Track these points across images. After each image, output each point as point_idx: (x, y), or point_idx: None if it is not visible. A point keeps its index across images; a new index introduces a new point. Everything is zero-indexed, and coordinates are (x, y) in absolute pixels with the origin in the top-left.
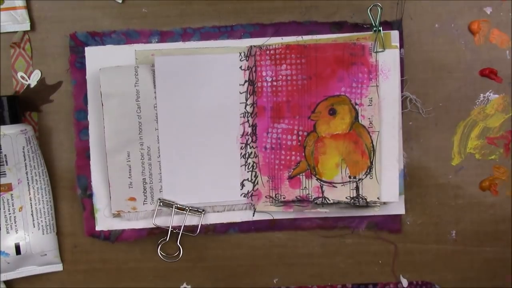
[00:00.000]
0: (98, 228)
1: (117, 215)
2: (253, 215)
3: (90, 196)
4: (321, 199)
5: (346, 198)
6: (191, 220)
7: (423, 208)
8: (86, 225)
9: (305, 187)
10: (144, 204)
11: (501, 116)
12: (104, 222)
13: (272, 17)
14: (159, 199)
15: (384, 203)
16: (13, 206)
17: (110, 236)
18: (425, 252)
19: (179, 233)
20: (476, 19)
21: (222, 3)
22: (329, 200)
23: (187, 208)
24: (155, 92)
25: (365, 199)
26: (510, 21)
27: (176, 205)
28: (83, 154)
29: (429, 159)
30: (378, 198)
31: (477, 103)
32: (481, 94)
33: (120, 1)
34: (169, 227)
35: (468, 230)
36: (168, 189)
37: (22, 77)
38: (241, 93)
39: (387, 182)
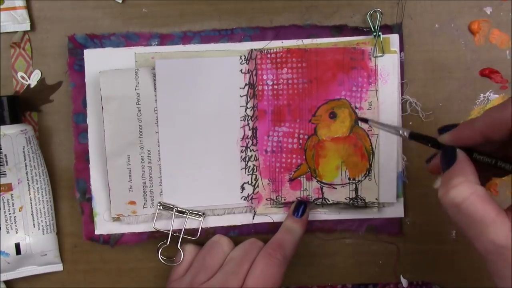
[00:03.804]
0: (97, 232)
1: (117, 219)
2: (253, 218)
3: (89, 199)
4: (321, 199)
5: (345, 199)
6: (191, 223)
7: (423, 208)
8: (84, 229)
9: (306, 188)
10: (144, 207)
11: None
12: (103, 226)
13: (272, 17)
14: (159, 202)
15: (383, 205)
16: (13, 206)
17: (110, 240)
18: (425, 253)
19: (180, 236)
20: (476, 19)
21: (222, 3)
22: (329, 201)
23: (187, 212)
24: (155, 95)
25: (364, 200)
26: (510, 21)
27: (176, 209)
28: (82, 157)
29: None
30: (376, 199)
31: (477, 103)
32: (481, 94)
33: (120, 1)
34: (169, 230)
35: None
36: (168, 192)
37: (22, 77)
38: (241, 96)
39: (385, 183)
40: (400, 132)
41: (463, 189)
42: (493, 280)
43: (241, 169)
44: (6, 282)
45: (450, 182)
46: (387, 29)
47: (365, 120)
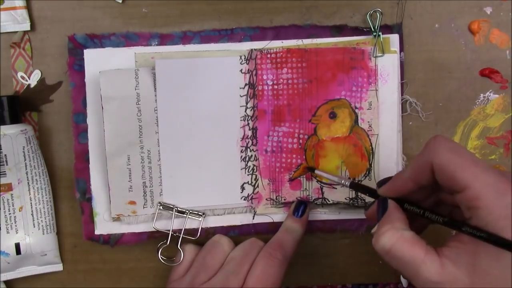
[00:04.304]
0: (97, 232)
1: (117, 219)
2: (253, 218)
3: (89, 199)
4: (321, 199)
5: (345, 199)
6: (191, 223)
7: None
8: (84, 229)
9: (306, 188)
10: (144, 207)
11: (501, 116)
12: (103, 226)
13: (272, 17)
14: (159, 202)
15: None
16: (13, 206)
17: (110, 240)
18: None
19: (180, 236)
20: (476, 19)
21: (222, 3)
22: (329, 201)
23: (187, 212)
24: (155, 95)
25: (364, 200)
26: (510, 21)
27: (176, 209)
28: (82, 157)
29: None
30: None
31: (477, 103)
32: (481, 94)
33: (120, 1)
34: (169, 230)
35: None
36: (168, 192)
37: (22, 77)
38: (241, 96)
39: None
40: (342, 182)
41: (390, 236)
42: None
43: (241, 169)
44: (6, 282)
45: (379, 230)
46: (387, 29)
47: (312, 170)
